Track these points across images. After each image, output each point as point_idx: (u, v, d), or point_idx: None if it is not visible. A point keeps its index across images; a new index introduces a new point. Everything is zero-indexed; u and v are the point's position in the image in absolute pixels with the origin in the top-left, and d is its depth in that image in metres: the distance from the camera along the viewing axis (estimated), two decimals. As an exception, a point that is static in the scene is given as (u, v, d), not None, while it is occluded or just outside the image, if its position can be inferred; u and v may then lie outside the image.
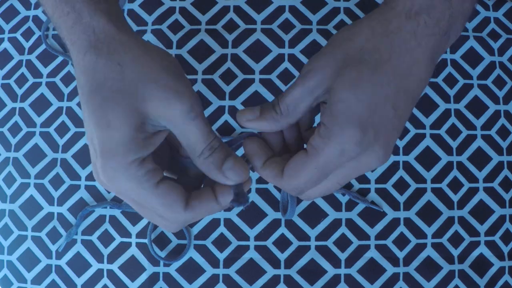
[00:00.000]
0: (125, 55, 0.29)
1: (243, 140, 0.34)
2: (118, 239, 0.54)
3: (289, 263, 0.53)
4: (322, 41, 0.57)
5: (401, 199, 0.54)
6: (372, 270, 0.53)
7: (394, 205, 0.54)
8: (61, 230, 0.55)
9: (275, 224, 0.54)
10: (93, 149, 0.30)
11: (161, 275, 0.54)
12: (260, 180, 0.55)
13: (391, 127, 0.30)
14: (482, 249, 0.54)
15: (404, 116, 0.30)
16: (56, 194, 0.56)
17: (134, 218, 0.55)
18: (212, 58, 0.57)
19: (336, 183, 0.32)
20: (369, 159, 0.30)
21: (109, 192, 0.55)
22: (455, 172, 0.55)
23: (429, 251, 0.54)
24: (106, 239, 0.54)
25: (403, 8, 0.30)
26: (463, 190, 0.55)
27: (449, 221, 0.54)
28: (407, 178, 0.55)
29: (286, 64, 0.57)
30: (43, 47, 0.59)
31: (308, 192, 0.33)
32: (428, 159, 0.55)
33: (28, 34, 0.59)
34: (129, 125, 0.28)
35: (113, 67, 0.28)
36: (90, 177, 0.56)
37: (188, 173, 0.34)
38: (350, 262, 0.53)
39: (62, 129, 0.57)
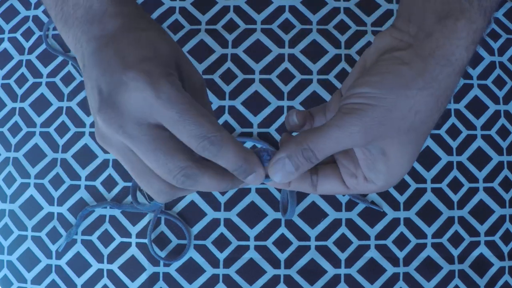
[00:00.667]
0: (149, 24, 0.31)
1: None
2: (118, 239, 0.54)
3: (289, 263, 0.53)
4: (322, 41, 0.57)
5: (401, 199, 0.55)
6: (372, 270, 0.53)
7: (394, 205, 0.54)
8: (61, 230, 0.55)
9: (275, 224, 0.54)
10: (128, 61, 0.27)
11: (161, 275, 0.54)
12: (260, 180, 0.55)
13: None
14: (482, 249, 0.54)
15: None
16: (56, 194, 0.56)
17: (134, 218, 0.55)
18: (212, 58, 0.57)
19: None
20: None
21: (109, 192, 0.55)
22: (455, 172, 0.55)
23: (429, 251, 0.54)
24: (106, 239, 0.54)
25: (442, 58, 0.28)
26: (463, 190, 0.55)
27: (449, 221, 0.54)
28: (407, 178, 0.55)
29: (286, 64, 0.57)
30: (43, 47, 0.59)
31: None
32: (428, 159, 0.55)
33: (28, 34, 0.59)
34: (173, 56, 0.29)
35: (147, 25, 0.30)
36: (90, 177, 0.56)
37: None
38: (350, 262, 0.53)
39: (62, 129, 0.57)
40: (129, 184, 0.55)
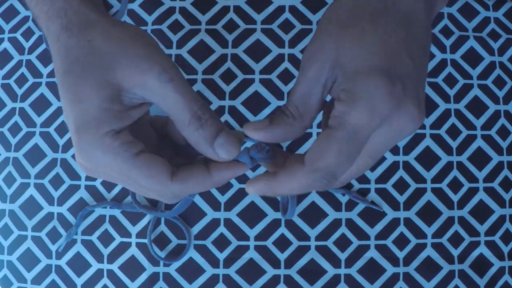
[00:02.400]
0: (94, 31, 0.29)
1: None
2: (118, 239, 0.54)
3: (289, 263, 0.53)
4: (322, 41, 0.57)
5: (401, 199, 0.55)
6: (372, 270, 0.53)
7: (394, 205, 0.54)
8: (61, 230, 0.55)
9: (275, 224, 0.54)
10: (70, 131, 0.29)
11: (161, 275, 0.54)
12: (260, 180, 0.55)
13: (415, 80, 0.27)
14: (482, 249, 0.54)
15: (423, 69, 0.28)
16: (56, 194, 0.56)
17: (134, 218, 0.55)
18: (212, 58, 0.57)
19: (367, 159, 0.28)
20: (402, 120, 0.26)
21: (109, 192, 0.55)
22: (455, 172, 0.55)
23: (429, 251, 0.54)
24: (106, 239, 0.54)
25: None
26: (463, 190, 0.55)
27: (449, 221, 0.54)
28: (407, 178, 0.55)
29: (286, 64, 0.57)
30: (43, 47, 0.59)
31: (344, 178, 0.29)
32: (428, 159, 0.55)
33: (28, 34, 0.59)
34: (101, 97, 0.28)
35: (83, 44, 0.28)
36: (90, 177, 0.56)
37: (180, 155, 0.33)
38: (350, 262, 0.53)
39: (62, 129, 0.57)
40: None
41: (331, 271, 0.53)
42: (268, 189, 0.29)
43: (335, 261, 0.53)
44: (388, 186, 0.55)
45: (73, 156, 0.56)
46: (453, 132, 0.56)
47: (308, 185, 0.27)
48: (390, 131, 0.27)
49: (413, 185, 0.55)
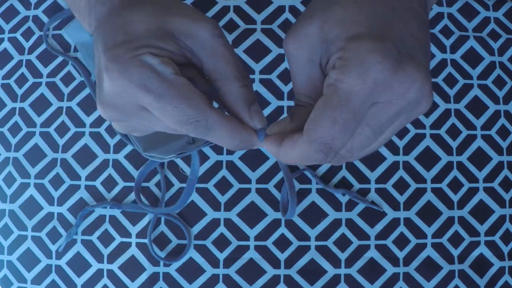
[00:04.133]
0: None
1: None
2: (118, 239, 0.54)
3: (289, 263, 0.53)
4: (322, 41, 0.57)
5: (401, 199, 0.55)
6: (372, 270, 0.53)
7: (394, 205, 0.54)
8: (61, 230, 0.55)
9: (275, 224, 0.54)
10: (113, 43, 0.27)
11: (161, 275, 0.54)
12: (260, 180, 0.55)
13: (414, 46, 0.26)
14: (482, 249, 0.54)
15: (421, 39, 0.26)
16: (56, 194, 0.56)
17: (134, 218, 0.55)
18: (212, 58, 0.57)
19: (371, 132, 0.26)
20: (403, 84, 0.25)
21: (109, 192, 0.55)
22: (455, 172, 0.55)
23: (429, 251, 0.54)
24: (106, 239, 0.54)
25: None
26: (463, 190, 0.55)
27: (449, 221, 0.54)
28: (407, 178, 0.55)
29: (286, 64, 0.57)
30: (43, 47, 0.59)
31: (344, 151, 0.27)
32: (428, 159, 0.55)
33: (28, 34, 0.59)
34: (155, 20, 0.27)
35: None
36: (90, 177, 0.56)
37: None
38: (350, 262, 0.53)
39: (62, 129, 0.57)
40: (129, 184, 0.55)
41: (331, 271, 0.53)
42: (273, 153, 0.29)
43: (335, 261, 0.53)
44: (388, 186, 0.55)
45: (73, 156, 0.56)
46: (453, 132, 0.56)
47: (307, 157, 0.26)
48: (391, 97, 0.25)
49: (413, 185, 0.55)
